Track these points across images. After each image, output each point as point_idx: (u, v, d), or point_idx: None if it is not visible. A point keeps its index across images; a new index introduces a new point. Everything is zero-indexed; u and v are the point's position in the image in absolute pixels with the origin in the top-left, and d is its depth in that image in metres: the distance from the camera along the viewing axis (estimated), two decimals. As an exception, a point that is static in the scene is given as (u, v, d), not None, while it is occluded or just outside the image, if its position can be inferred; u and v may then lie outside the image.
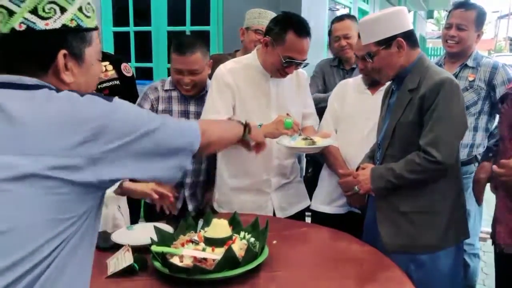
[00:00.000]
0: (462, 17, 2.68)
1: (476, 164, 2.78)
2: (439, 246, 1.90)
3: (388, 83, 2.33)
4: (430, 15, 20.00)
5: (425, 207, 1.90)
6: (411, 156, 1.84)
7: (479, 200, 2.05)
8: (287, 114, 2.15)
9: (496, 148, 2.07)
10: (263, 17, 3.04)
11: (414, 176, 1.83)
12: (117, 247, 1.79)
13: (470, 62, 2.71)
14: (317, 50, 3.77)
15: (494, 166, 1.77)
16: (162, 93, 2.48)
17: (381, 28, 1.90)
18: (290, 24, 2.14)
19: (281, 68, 2.19)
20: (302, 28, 2.14)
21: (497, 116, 2.79)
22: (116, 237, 1.90)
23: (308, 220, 2.72)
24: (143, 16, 5.04)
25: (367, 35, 1.95)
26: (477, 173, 2.08)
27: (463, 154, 2.70)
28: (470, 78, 2.69)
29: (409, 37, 1.91)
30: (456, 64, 2.75)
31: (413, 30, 1.97)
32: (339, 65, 3.18)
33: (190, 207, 2.52)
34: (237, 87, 2.25)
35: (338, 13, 7.53)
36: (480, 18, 2.70)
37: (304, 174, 3.22)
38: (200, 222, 1.90)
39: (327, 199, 2.52)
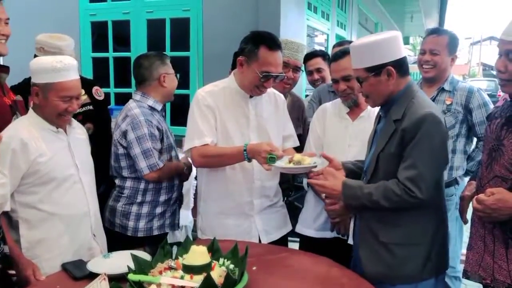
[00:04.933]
0: (435, 42, 2.76)
1: (456, 186, 2.81)
2: (418, 278, 1.86)
3: (367, 109, 2.35)
4: (406, 41, 20.46)
5: (404, 239, 1.86)
6: (391, 185, 1.80)
7: (462, 217, 2.04)
8: (271, 150, 2.07)
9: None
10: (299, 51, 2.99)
11: (390, 205, 1.81)
12: (93, 276, 1.74)
13: (447, 86, 2.76)
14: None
15: (473, 200, 1.77)
16: (156, 115, 2.52)
17: (373, 55, 1.85)
18: (261, 40, 2.19)
19: (260, 84, 2.21)
20: (273, 42, 2.20)
21: (475, 139, 2.85)
22: (92, 266, 1.85)
23: (294, 245, 2.69)
24: (122, 42, 5.04)
25: (358, 60, 1.90)
26: (464, 190, 2.09)
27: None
28: (448, 102, 2.74)
29: (401, 65, 1.87)
30: (433, 88, 2.80)
31: (405, 57, 1.91)
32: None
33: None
34: (218, 108, 2.26)
35: (317, 40, 7.67)
36: (452, 43, 2.77)
37: (285, 198, 3.21)
38: (175, 249, 1.86)
39: (313, 223, 2.50)
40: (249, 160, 2.14)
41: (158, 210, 2.51)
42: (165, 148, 2.50)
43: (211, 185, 2.35)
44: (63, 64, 2.03)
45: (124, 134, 2.41)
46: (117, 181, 2.52)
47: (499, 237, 1.77)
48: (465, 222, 2.07)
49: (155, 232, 2.50)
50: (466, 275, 1.91)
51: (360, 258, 1.94)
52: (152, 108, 2.50)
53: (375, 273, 1.89)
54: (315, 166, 2.04)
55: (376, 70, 1.85)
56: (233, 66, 3.28)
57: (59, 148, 2.10)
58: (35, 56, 2.74)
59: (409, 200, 1.77)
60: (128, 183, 2.48)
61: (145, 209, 2.48)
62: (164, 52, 2.70)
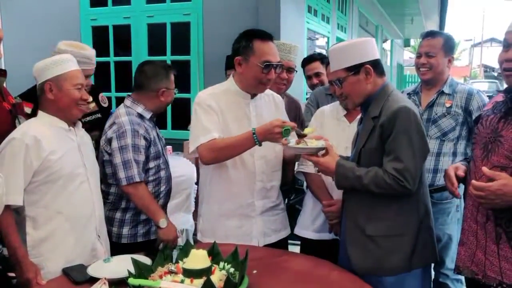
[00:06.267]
0: (430, 44, 2.77)
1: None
2: (405, 268, 1.91)
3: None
4: (407, 43, 20.51)
5: (390, 231, 1.92)
6: (382, 173, 1.86)
7: (454, 193, 1.93)
8: (283, 122, 2.06)
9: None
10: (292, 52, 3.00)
11: (380, 191, 1.87)
12: (93, 280, 1.75)
13: (446, 89, 2.76)
14: (296, 78, 3.81)
15: (471, 188, 1.73)
16: (145, 123, 2.46)
17: (351, 55, 1.96)
18: (252, 34, 2.26)
19: (263, 76, 2.23)
20: (264, 34, 2.26)
21: (474, 141, 2.84)
22: (92, 270, 1.86)
23: (294, 248, 2.69)
24: (123, 46, 5.06)
25: (337, 62, 2.00)
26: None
27: (443, 179, 2.72)
28: (447, 105, 2.74)
29: (377, 65, 1.98)
30: (433, 91, 2.80)
31: (380, 60, 2.03)
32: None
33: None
34: (220, 109, 2.26)
35: (317, 42, 7.68)
36: (447, 44, 2.78)
37: (286, 201, 3.22)
38: (175, 253, 1.86)
39: (311, 225, 2.52)
40: (260, 144, 2.12)
41: (143, 216, 2.45)
42: (152, 156, 2.45)
43: (214, 186, 2.35)
44: (67, 56, 2.20)
45: (109, 141, 2.37)
46: (102, 187, 2.44)
47: (491, 233, 1.78)
48: (457, 195, 1.94)
49: (140, 239, 2.45)
50: (458, 270, 1.92)
51: (349, 255, 1.98)
52: (140, 116, 2.45)
53: (363, 267, 1.93)
54: (325, 147, 2.03)
55: (355, 69, 1.95)
56: (227, 69, 3.32)
57: (70, 147, 2.14)
58: None
59: (398, 189, 1.84)
60: (113, 189, 2.44)
61: (129, 215, 2.44)
62: (170, 65, 2.63)
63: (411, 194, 1.88)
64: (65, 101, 2.11)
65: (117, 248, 2.32)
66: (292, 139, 2.10)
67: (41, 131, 2.04)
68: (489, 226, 1.78)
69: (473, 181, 1.73)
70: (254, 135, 2.09)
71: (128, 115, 2.42)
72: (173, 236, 2.39)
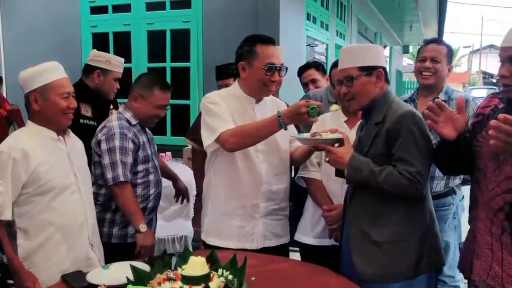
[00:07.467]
0: (436, 50, 2.79)
1: (454, 195, 2.81)
2: (411, 275, 1.91)
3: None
4: (406, 50, 20.52)
5: (396, 236, 1.91)
6: (397, 173, 1.84)
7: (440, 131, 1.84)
8: (307, 102, 2.08)
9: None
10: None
11: (392, 190, 1.86)
12: (92, 287, 1.76)
13: (442, 96, 2.78)
14: (296, 85, 3.84)
15: (491, 131, 1.49)
16: (134, 128, 2.54)
17: (366, 56, 1.99)
18: (255, 39, 2.30)
19: (267, 79, 2.26)
20: (266, 38, 2.31)
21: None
22: (91, 277, 1.86)
23: (294, 255, 2.69)
24: (123, 53, 5.08)
25: (351, 59, 2.01)
26: None
27: (440, 187, 2.73)
28: (443, 112, 2.75)
29: (386, 71, 2.03)
30: (429, 98, 2.80)
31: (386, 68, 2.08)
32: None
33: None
34: (230, 110, 2.28)
35: (317, 49, 7.71)
36: (450, 53, 2.82)
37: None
38: (174, 259, 1.87)
39: (311, 231, 2.52)
40: (285, 128, 2.13)
41: None
42: (141, 160, 2.52)
43: (221, 186, 2.36)
44: (51, 64, 2.14)
45: (99, 143, 2.46)
46: (93, 189, 2.49)
47: (507, 245, 1.72)
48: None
49: (130, 240, 2.48)
50: (474, 284, 1.85)
51: (354, 262, 1.96)
52: (129, 121, 2.53)
53: (368, 273, 1.92)
54: (341, 139, 2.05)
55: (368, 70, 1.98)
56: (217, 79, 3.35)
57: (59, 157, 2.13)
58: (93, 69, 3.05)
59: (412, 190, 1.84)
60: (103, 191, 2.50)
61: (119, 216, 2.49)
62: (162, 80, 2.63)
63: (421, 197, 1.89)
64: (51, 111, 2.09)
65: (107, 248, 2.36)
66: (307, 133, 2.13)
67: (29, 143, 2.03)
68: (505, 238, 1.73)
69: (492, 122, 1.50)
70: (280, 118, 2.11)
71: (119, 120, 2.52)
72: (151, 242, 2.40)
